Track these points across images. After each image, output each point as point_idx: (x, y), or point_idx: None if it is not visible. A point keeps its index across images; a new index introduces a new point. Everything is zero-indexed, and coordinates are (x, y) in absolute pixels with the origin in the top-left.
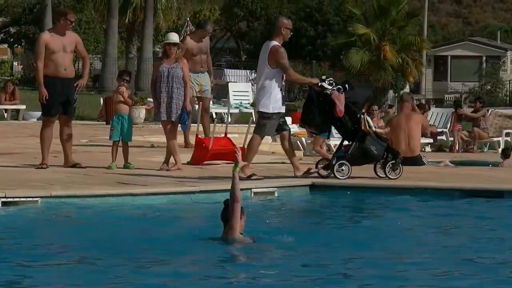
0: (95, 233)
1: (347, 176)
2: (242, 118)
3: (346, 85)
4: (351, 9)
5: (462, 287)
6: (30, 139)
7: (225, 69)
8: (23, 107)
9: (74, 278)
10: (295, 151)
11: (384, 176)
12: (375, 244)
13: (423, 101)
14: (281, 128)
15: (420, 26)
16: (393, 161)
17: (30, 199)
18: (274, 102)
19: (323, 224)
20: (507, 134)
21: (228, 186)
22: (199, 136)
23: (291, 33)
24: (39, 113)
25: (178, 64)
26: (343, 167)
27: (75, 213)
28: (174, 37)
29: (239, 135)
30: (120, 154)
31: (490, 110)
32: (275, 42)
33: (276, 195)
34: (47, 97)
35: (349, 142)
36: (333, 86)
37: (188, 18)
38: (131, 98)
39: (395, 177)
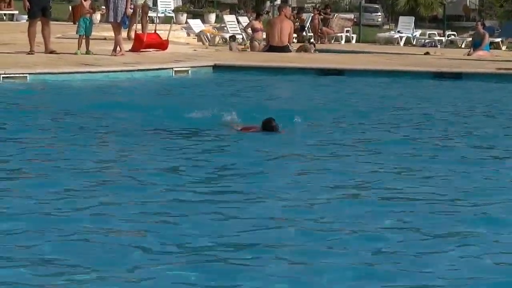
0: (68, 100)
1: None
2: (166, 20)
3: None
4: None
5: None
6: (21, 34)
7: None
8: (16, 12)
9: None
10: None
11: None
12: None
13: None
14: None
15: None
16: None
17: (21, 75)
18: None
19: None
20: (347, 31)
21: (152, 66)
22: (137, 32)
23: None
24: (26, 16)
25: None
26: None
27: (52, 85)
28: None
29: (164, 31)
30: (84, 44)
31: (335, 15)
32: None
33: (189, 73)
34: (29, 6)
35: None
36: None
37: None
38: (92, 7)
39: None
